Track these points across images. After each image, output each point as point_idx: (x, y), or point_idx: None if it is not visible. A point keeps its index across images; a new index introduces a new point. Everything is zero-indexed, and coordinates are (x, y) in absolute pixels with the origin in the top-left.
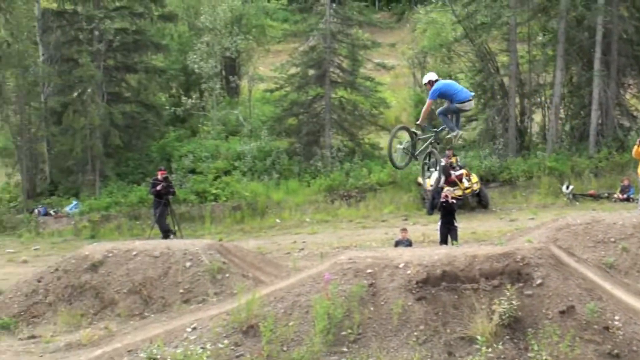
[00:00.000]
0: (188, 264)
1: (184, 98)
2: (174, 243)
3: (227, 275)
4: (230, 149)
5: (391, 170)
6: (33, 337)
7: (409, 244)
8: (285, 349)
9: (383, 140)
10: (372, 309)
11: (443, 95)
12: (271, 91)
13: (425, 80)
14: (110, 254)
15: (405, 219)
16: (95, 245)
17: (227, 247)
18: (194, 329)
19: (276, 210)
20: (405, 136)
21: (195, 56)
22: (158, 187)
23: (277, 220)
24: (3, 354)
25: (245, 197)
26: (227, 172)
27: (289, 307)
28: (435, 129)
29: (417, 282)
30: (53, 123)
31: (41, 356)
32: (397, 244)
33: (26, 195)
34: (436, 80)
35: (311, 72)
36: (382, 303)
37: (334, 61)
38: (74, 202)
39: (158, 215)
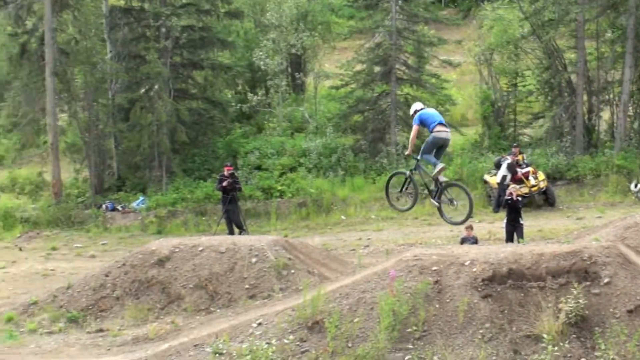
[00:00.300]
0: (254, 259)
1: (249, 95)
2: (239, 239)
3: (292, 271)
4: (295, 146)
5: (457, 168)
6: (101, 330)
7: (474, 241)
8: (350, 345)
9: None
10: (437, 306)
11: (423, 122)
12: (337, 88)
13: (412, 110)
14: (177, 250)
15: (471, 217)
16: (162, 240)
17: (292, 243)
18: (260, 324)
19: (341, 207)
20: (398, 181)
21: (261, 53)
22: (224, 183)
23: (343, 217)
24: (71, 346)
25: (310, 193)
26: (292, 169)
27: (354, 303)
28: (417, 158)
29: (483, 280)
30: (120, 119)
31: (109, 349)
32: (463, 241)
33: (94, 190)
34: (421, 109)
35: (377, 69)
36: (448, 300)
37: (399, 58)
38: (141, 198)
39: (232, 212)
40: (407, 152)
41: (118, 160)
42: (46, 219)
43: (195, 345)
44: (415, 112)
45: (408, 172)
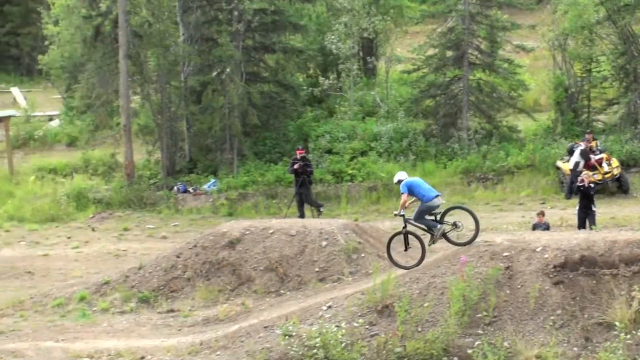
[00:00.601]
0: (324, 243)
1: (321, 78)
2: (310, 222)
3: (362, 255)
4: (366, 130)
5: (529, 154)
6: (172, 311)
7: (546, 227)
8: (419, 329)
9: (521, 123)
10: (508, 292)
11: (411, 191)
12: (408, 72)
13: (395, 179)
14: (248, 232)
15: (543, 203)
16: (233, 222)
17: (362, 227)
18: (330, 307)
19: None
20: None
21: (333, 37)
22: (295, 166)
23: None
24: (142, 326)
25: (381, 177)
26: (363, 153)
27: (424, 288)
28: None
29: (554, 266)
30: (192, 102)
31: (179, 330)
32: (535, 227)
33: (166, 172)
34: (404, 180)
35: (449, 53)
36: (519, 286)
37: (472, 43)
38: (212, 180)
39: (305, 195)
40: (395, 213)
41: (190, 142)
42: (118, 200)
43: (265, 327)
44: (400, 181)
45: (402, 230)
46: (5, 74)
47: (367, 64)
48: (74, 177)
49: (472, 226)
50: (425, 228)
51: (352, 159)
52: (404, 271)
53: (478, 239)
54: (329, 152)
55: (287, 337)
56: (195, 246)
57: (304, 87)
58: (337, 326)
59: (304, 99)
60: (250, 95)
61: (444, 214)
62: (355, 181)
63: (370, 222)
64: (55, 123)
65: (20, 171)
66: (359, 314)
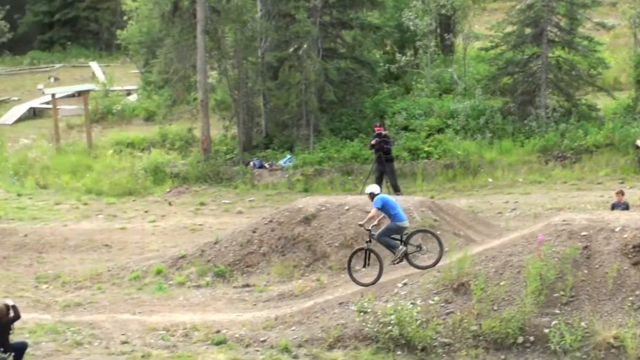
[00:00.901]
0: None
1: (398, 55)
2: None
3: (438, 232)
4: (443, 107)
5: (608, 132)
6: (247, 285)
7: (625, 207)
8: (495, 308)
9: (601, 101)
10: (585, 271)
11: (384, 206)
12: (486, 49)
13: (367, 191)
14: (323, 208)
15: (622, 182)
16: (309, 198)
17: (438, 205)
18: (405, 284)
19: (488, 169)
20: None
21: (410, 13)
22: (372, 142)
23: (490, 180)
24: (218, 300)
25: (457, 155)
26: (439, 130)
27: (500, 266)
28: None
29: (633, 246)
30: (269, 78)
31: (254, 304)
32: (613, 207)
33: (242, 147)
34: (378, 194)
35: (528, 30)
36: (597, 266)
37: (551, 20)
38: (288, 156)
39: (389, 173)
40: (360, 223)
41: (266, 118)
42: (195, 175)
43: (340, 303)
44: (372, 194)
45: (366, 245)
46: (84, 48)
47: (444, 40)
48: (151, 151)
49: (437, 249)
50: (386, 246)
51: (428, 136)
52: (481, 249)
53: (441, 263)
54: (405, 129)
55: (362, 313)
56: (271, 221)
57: (381, 64)
58: (412, 303)
59: (381, 76)
60: (327, 71)
61: (410, 236)
62: (431, 158)
63: (446, 199)
64: (133, 97)
65: (98, 145)
66: (435, 291)
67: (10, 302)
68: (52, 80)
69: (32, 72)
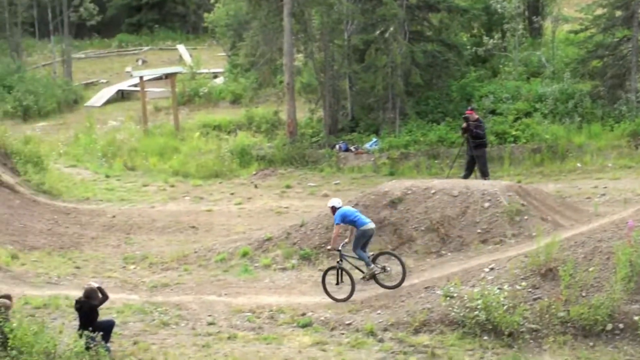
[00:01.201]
0: (486, 204)
1: (485, 38)
2: (472, 183)
3: (525, 217)
4: (531, 91)
5: None
6: (332, 268)
7: None
8: (584, 294)
9: None
10: None
11: (344, 219)
12: (575, 32)
13: (329, 204)
14: (409, 192)
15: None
16: (394, 182)
17: (526, 189)
18: (492, 269)
19: (577, 154)
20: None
21: None
22: (463, 125)
23: (578, 165)
24: (304, 283)
25: (545, 139)
26: (527, 114)
27: (589, 252)
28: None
29: None
30: (355, 60)
31: (340, 287)
32: None
33: (328, 130)
34: (339, 207)
35: (618, 13)
36: None
37: None
38: (374, 139)
39: (479, 158)
40: (328, 247)
41: (352, 101)
42: (281, 157)
43: (425, 288)
44: (333, 208)
45: (337, 264)
46: (171, 31)
47: (532, 23)
48: (237, 134)
49: (400, 271)
50: (361, 266)
51: (515, 119)
52: (570, 234)
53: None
54: (493, 112)
55: (448, 298)
56: (356, 205)
57: (468, 47)
58: (499, 288)
59: (468, 59)
60: (413, 54)
61: (375, 257)
62: (518, 142)
63: (533, 184)
64: (219, 80)
65: (185, 127)
66: (522, 276)
67: (95, 284)
68: (139, 63)
69: (120, 54)
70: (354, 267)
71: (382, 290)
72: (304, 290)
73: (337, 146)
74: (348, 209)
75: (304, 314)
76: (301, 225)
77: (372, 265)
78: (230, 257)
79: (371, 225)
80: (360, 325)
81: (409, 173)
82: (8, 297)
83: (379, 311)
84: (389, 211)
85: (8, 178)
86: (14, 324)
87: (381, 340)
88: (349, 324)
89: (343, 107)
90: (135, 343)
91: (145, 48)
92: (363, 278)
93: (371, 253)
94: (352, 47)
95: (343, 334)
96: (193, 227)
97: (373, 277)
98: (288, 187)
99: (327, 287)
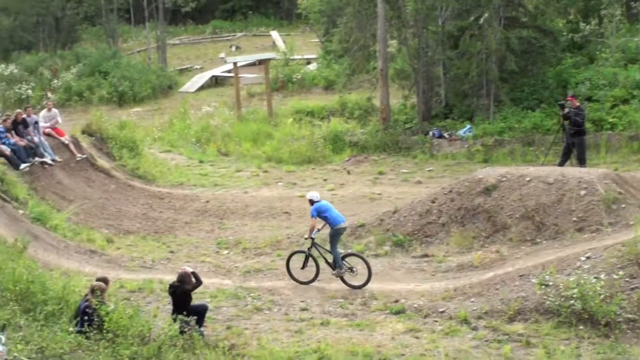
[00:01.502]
0: (582, 192)
1: (582, 24)
2: (568, 171)
3: (622, 205)
4: (629, 77)
5: None
6: (426, 255)
7: None
8: None
9: None
10: None
11: (319, 213)
12: None
13: (307, 196)
14: (504, 179)
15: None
16: (489, 169)
17: (623, 177)
18: (588, 258)
19: None
20: (298, 259)
21: None
22: (565, 111)
23: None
24: (397, 270)
25: None
26: (625, 101)
27: None
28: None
29: None
30: (449, 47)
31: (433, 275)
32: None
33: (421, 117)
34: (317, 201)
35: None
36: None
37: None
38: (468, 126)
39: (578, 145)
40: (306, 237)
41: (446, 87)
42: (374, 144)
43: (520, 276)
44: (311, 201)
45: (307, 251)
46: (265, 17)
47: (631, 9)
48: (330, 120)
49: (365, 272)
50: (329, 258)
51: (612, 107)
52: None
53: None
54: (589, 99)
55: (543, 286)
56: (450, 192)
57: (564, 33)
58: (595, 278)
59: (564, 45)
60: (508, 40)
61: (344, 257)
62: (615, 130)
63: (630, 172)
64: (312, 66)
65: (278, 113)
66: (619, 266)
67: (189, 269)
68: (233, 49)
69: (214, 40)
70: (320, 256)
71: (475, 277)
72: (397, 277)
73: (431, 133)
74: (324, 204)
75: (396, 301)
76: (394, 212)
77: (343, 268)
78: (323, 243)
79: (344, 224)
80: (454, 313)
81: (503, 160)
82: (105, 280)
83: (472, 299)
84: (483, 198)
85: (104, 163)
86: (110, 307)
87: (475, 329)
88: (442, 312)
89: (437, 93)
90: (228, 328)
91: (239, 34)
92: (333, 274)
93: (341, 251)
94: (446, 34)
95: (436, 321)
96: (286, 212)
97: (340, 277)
98: (381, 173)
99: (291, 269)
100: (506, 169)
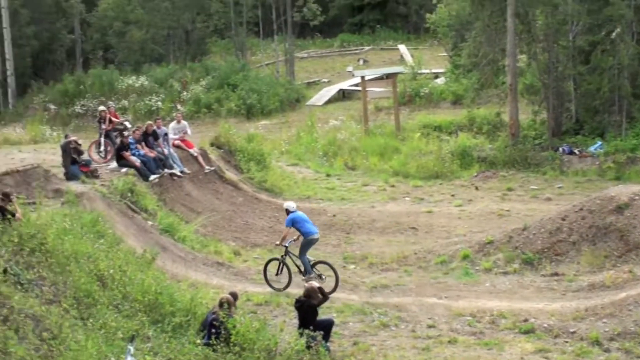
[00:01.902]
0: None
1: None
2: None
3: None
4: None
5: None
6: (556, 274)
7: None
8: None
9: None
10: None
11: (294, 224)
12: None
13: (284, 206)
14: (637, 197)
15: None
16: (621, 187)
17: None
18: None
19: None
20: (273, 266)
21: None
22: None
23: None
24: (525, 288)
25: None
26: None
27: None
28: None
29: None
30: (580, 62)
31: (563, 294)
32: None
33: (551, 133)
34: (293, 211)
35: None
36: None
37: None
38: (599, 143)
39: None
40: (277, 243)
41: (576, 103)
42: (502, 159)
43: None
44: (287, 211)
45: (280, 258)
46: (393, 31)
47: None
48: (458, 135)
49: (333, 279)
50: (301, 266)
51: None
52: None
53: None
54: None
55: None
56: (581, 209)
57: None
58: None
59: None
60: None
61: (313, 265)
62: None
63: None
64: (440, 81)
65: (406, 127)
66: None
67: (316, 284)
68: (361, 62)
69: (341, 54)
70: (294, 264)
71: (607, 298)
72: (526, 296)
73: (561, 149)
74: (299, 215)
75: (526, 320)
76: (524, 229)
77: (312, 274)
78: (451, 259)
79: (316, 235)
80: (585, 334)
81: (636, 178)
82: (234, 295)
83: (604, 319)
84: (615, 217)
85: (232, 175)
86: (237, 321)
87: (607, 350)
88: (573, 332)
89: (567, 109)
90: (355, 344)
91: (367, 48)
92: (304, 280)
93: (312, 258)
94: (577, 48)
95: (567, 342)
96: (413, 228)
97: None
98: (509, 189)
99: (267, 275)
100: (639, 187)
